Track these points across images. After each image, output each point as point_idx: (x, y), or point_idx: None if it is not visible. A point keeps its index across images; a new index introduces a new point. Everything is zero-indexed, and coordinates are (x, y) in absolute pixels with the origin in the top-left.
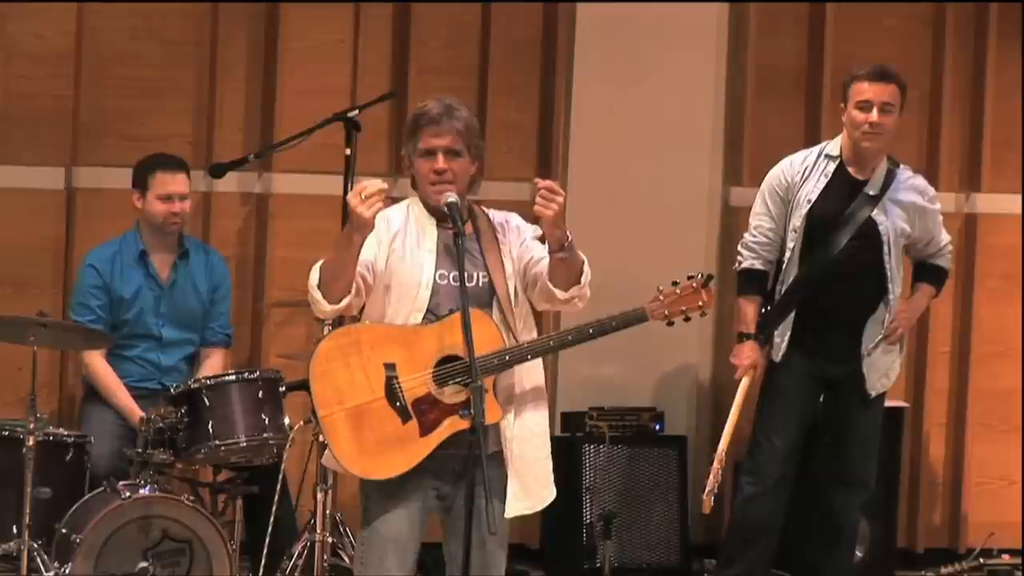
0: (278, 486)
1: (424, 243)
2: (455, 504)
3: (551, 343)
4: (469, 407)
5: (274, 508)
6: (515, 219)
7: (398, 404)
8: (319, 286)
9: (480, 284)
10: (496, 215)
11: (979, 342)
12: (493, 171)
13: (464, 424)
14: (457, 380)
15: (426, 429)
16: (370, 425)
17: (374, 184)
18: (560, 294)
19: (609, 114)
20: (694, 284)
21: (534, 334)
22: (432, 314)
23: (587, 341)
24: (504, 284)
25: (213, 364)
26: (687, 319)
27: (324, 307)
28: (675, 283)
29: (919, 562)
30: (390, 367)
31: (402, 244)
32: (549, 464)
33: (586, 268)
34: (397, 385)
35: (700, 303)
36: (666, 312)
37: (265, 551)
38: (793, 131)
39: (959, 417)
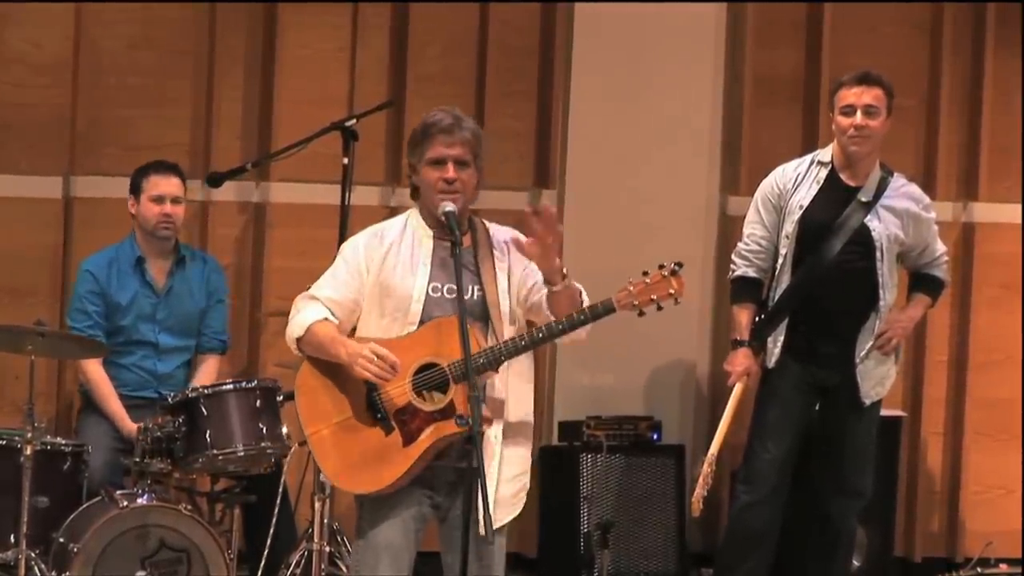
0: (278, 498)
1: (419, 255)
2: (450, 514)
3: (523, 342)
4: (456, 415)
5: (274, 520)
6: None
7: (379, 416)
8: (298, 341)
9: (475, 297)
10: (499, 232)
11: (976, 351)
12: (490, 179)
13: (447, 430)
14: (435, 387)
15: (408, 439)
16: (355, 439)
17: (390, 372)
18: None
19: (607, 122)
20: (664, 272)
21: None
22: None
23: (558, 336)
24: (497, 298)
25: (208, 370)
26: (659, 308)
27: (299, 355)
28: (645, 272)
29: (916, 571)
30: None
31: (395, 257)
32: (526, 479)
33: (585, 298)
34: (378, 397)
35: (671, 291)
36: (635, 302)
37: (263, 562)
38: (790, 140)
39: (956, 426)
